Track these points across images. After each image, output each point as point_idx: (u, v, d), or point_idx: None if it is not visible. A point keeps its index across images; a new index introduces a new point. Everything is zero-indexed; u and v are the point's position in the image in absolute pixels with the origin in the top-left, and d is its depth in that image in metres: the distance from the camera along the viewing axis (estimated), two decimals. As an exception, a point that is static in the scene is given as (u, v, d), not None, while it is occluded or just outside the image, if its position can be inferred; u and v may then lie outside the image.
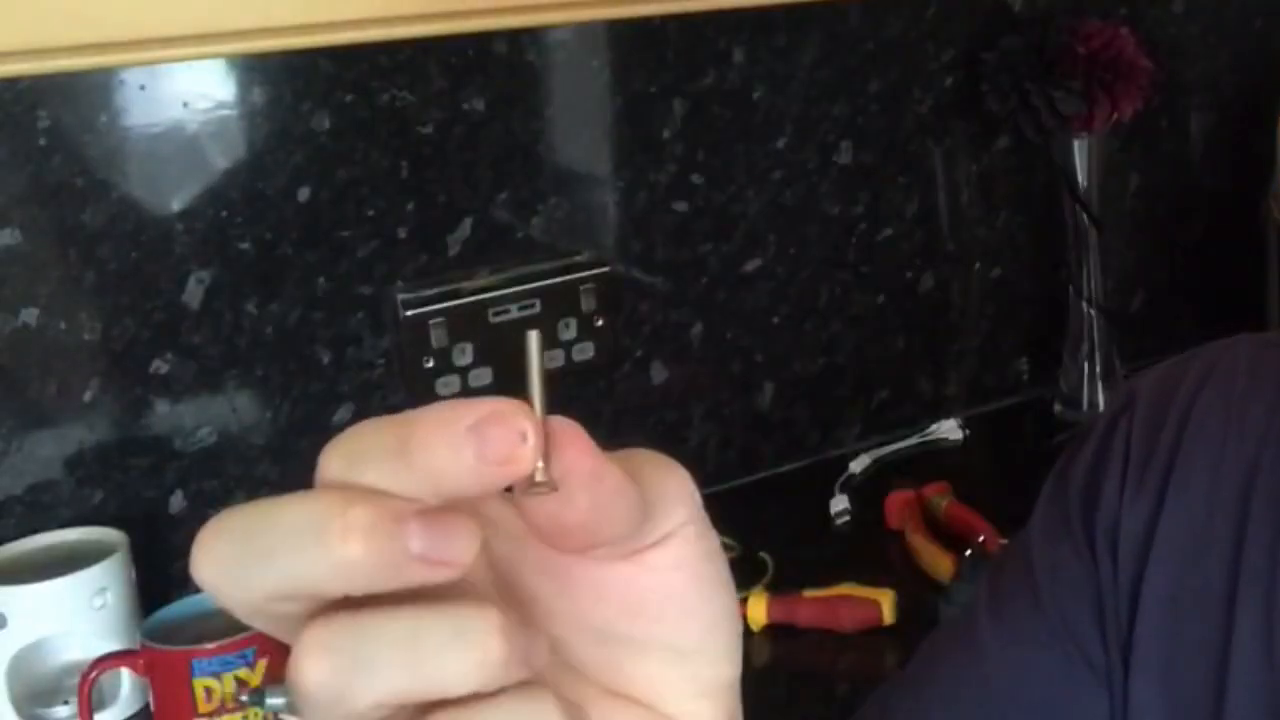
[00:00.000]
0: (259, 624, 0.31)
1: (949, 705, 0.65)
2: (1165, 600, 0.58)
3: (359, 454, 0.30)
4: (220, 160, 1.12)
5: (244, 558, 0.30)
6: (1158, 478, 0.61)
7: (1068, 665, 0.61)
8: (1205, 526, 0.58)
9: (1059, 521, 0.64)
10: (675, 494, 0.34)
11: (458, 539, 0.29)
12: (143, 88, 1.08)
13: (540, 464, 0.31)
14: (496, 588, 0.34)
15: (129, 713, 1.02)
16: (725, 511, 1.51)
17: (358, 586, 0.29)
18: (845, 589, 1.10)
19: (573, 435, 0.31)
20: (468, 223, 1.21)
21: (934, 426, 1.44)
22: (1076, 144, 1.40)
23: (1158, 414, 0.62)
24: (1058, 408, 1.48)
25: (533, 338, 0.32)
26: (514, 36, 1.20)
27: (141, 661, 0.96)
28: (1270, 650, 0.54)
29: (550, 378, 0.32)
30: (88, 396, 1.09)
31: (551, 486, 0.31)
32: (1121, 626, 0.60)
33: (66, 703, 1.00)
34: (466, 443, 0.30)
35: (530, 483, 0.31)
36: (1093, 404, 1.45)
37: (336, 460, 0.31)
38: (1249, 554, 0.57)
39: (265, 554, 0.29)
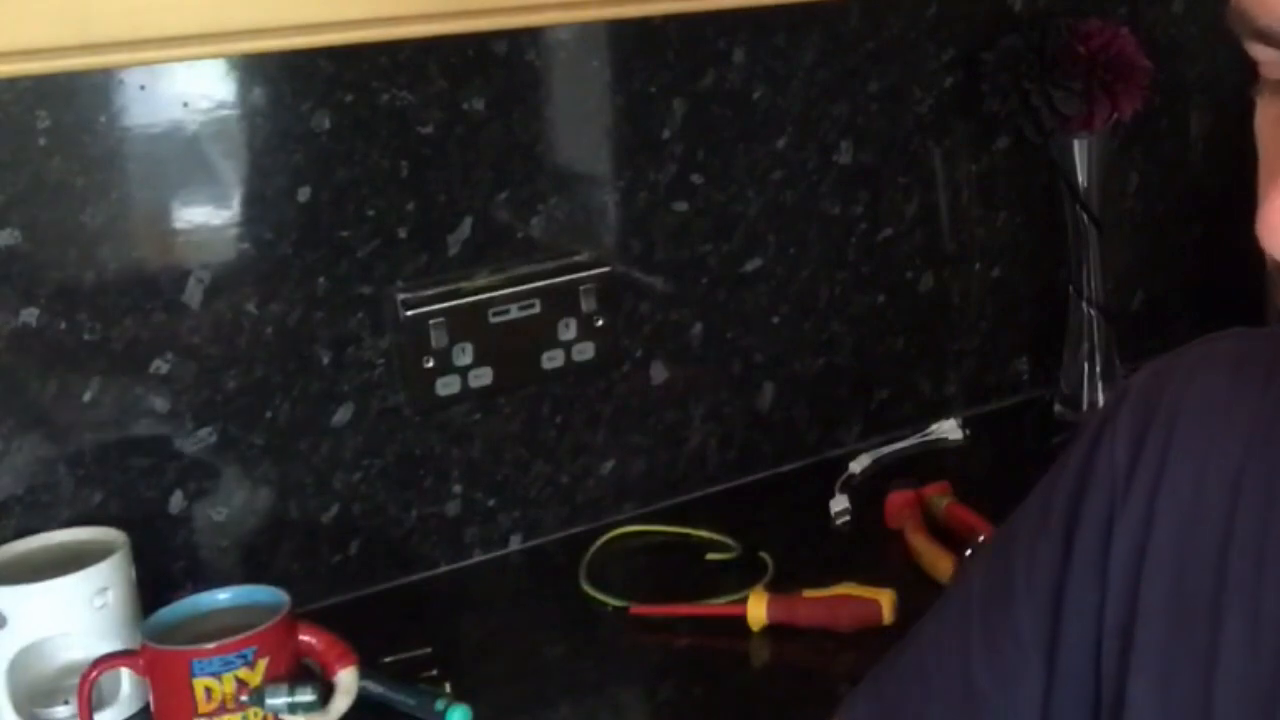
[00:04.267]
0: None
1: (924, 706, 0.65)
2: (1162, 604, 0.58)
3: None
4: (220, 160, 1.12)
5: None
6: (1148, 481, 0.59)
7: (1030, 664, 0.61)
8: (1193, 529, 0.58)
9: (1042, 521, 0.63)
10: None
11: None
12: (143, 88, 1.08)
13: None
14: None
15: (129, 713, 1.02)
16: (725, 511, 1.50)
17: None
18: (845, 589, 1.09)
19: None
20: (468, 223, 1.21)
21: (934, 426, 1.44)
22: (1076, 144, 1.40)
23: (1147, 414, 0.61)
24: (1058, 408, 1.48)
25: None
26: (514, 36, 1.20)
27: (141, 661, 0.95)
28: (1256, 651, 0.54)
29: None
30: (88, 396, 1.09)
31: None
32: (1108, 630, 0.59)
33: (66, 703, 1.00)
34: None
35: None
36: (1093, 404, 1.45)
37: None
38: (1234, 557, 0.56)
39: None
